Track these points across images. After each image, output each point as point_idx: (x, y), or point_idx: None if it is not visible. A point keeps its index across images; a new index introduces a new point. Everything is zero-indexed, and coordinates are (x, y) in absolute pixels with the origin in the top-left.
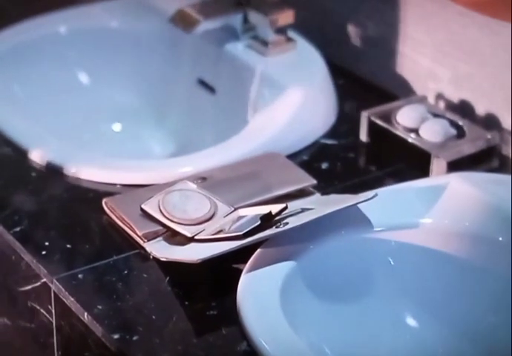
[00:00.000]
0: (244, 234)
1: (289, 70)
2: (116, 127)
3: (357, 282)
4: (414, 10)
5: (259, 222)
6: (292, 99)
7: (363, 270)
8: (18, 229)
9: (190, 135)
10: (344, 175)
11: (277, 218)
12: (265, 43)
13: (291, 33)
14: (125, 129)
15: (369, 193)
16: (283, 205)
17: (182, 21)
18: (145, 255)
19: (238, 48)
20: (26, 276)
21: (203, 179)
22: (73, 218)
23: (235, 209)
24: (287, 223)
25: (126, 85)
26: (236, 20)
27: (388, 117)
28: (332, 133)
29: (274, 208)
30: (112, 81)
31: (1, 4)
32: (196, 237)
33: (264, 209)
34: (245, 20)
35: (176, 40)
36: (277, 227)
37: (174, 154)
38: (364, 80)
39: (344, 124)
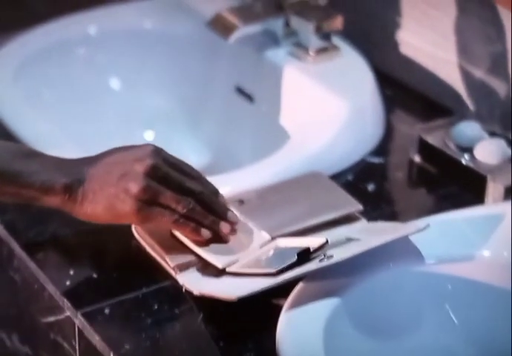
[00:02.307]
0: (277, 272)
1: (334, 80)
2: (149, 135)
3: (406, 319)
4: (469, 18)
5: (295, 259)
6: (337, 112)
7: (413, 306)
8: (40, 255)
9: (226, 145)
10: (392, 198)
11: None
12: (307, 50)
13: (334, 39)
14: (157, 137)
15: (421, 224)
16: (323, 240)
17: (220, 26)
18: (176, 287)
19: (279, 55)
20: (49, 306)
21: (241, 202)
22: (100, 243)
23: (273, 238)
24: (331, 256)
25: (159, 91)
26: (277, 25)
27: (440, 135)
28: (379, 150)
29: (314, 243)
30: (144, 86)
31: (28, 3)
32: (227, 270)
33: (303, 242)
34: (287, 25)
35: (214, 44)
36: (320, 260)
37: (209, 166)
38: (414, 91)
39: (392, 141)
